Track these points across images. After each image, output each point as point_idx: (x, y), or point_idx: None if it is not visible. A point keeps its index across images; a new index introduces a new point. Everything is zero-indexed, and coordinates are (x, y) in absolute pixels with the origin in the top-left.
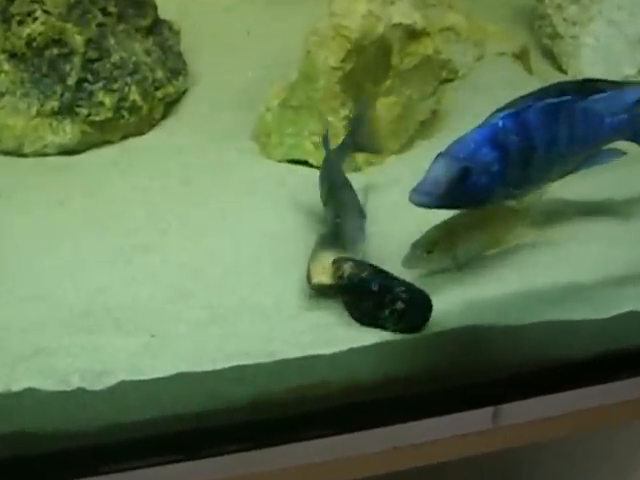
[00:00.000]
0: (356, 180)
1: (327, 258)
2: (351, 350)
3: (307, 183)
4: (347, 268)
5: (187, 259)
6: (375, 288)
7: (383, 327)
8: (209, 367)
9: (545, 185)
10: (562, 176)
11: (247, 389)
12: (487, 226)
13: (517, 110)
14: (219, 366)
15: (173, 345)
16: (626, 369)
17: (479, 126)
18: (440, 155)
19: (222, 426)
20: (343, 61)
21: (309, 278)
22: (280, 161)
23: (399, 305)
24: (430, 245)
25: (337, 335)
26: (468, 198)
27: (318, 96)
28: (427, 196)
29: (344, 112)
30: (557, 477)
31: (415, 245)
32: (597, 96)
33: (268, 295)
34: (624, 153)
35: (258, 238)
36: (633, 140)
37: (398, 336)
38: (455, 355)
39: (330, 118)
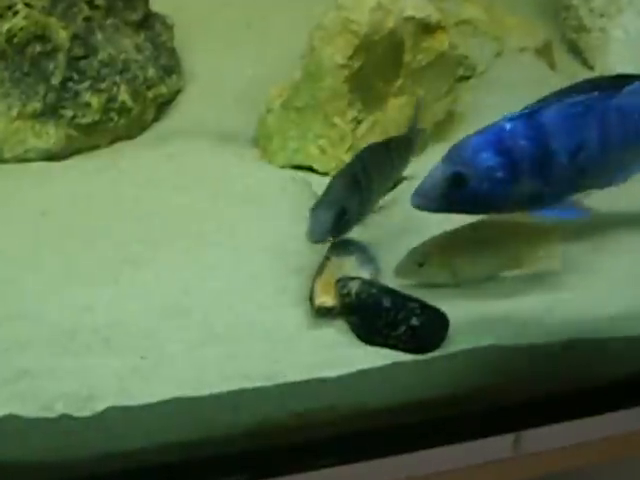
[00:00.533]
0: None
1: (337, 268)
2: (360, 372)
3: (311, 191)
4: (354, 286)
5: (181, 274)
6: (387, 304)
7: (395, 347)
8: (205, 392)
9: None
10: (609, 184)
11: (246, 415)
12: (505, 243)
13: (530, 111)
14: (215, 390)
15: (165, 367)
16: None
17: (484, 128)
18: (443, 157)
19: (219, 456)
20: (351, 58)
21: (312, 299)
22: (283, 167)
23: (413, 321)
24: (421, 257)
25: (343, 356)
26: (471, 204)
27: (324, 96)
28: (423, 199)
29: (352, 113)
30: None
31: (409, 255)
32: (632, 87)
33: (268, 313)
34: None
35: (257, 252)
36: None
37: (409, 357)
38: (473, 377)
39: (336, 120)
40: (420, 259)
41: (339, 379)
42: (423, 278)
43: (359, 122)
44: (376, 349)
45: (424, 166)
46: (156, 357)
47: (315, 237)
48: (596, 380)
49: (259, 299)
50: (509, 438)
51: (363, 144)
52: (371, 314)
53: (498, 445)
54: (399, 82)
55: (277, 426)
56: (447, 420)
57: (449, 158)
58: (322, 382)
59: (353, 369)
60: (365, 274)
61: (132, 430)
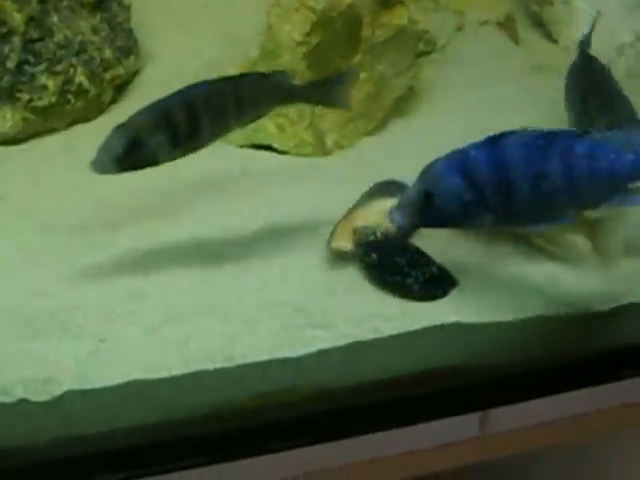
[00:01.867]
0: (323, 163)
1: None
2: (320, 352)
3: (271, 171)
4: (375, 231)
5: (140, 257)
6: (413, 248)
7: (408, 288)
8: (164, 374)
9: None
10: (583, 209)
11: (207, 397)
12: None
13: (494, 141)
14: (175, 372)
15: (124, 350)
16: (627, 368)
17: (450, 154)
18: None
19: (179, 438)
20: (308, 35)
21: (330, 241)
22: (242, 146)
23: (434, 269)
24: None
25: (304, 336)
26: (440, 220)
27: None
28: (399, 219)
29: None
30: None
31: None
32: (602, 134)
33: (227, 295)
34: None
35: (217, 234)
36: None
37: (371, 335)
38: (437, 355)
39: None
40: None
41: (299, 359)
42: None
43: None
44: (333, 332)
45: (386, 142)
46: (115, 340)
47: (97, 168)
48: (563, 357)
49: (218, 280)
50: (475, 417)
51: (322, 121)
52: (394, 252)
53: (464, 425)
54: (358, 58)
55: (238, 408)
56: (411, 400)
57: (420, 179)
58: (282, 363)
59: (313, 349)
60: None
61: (91, 414)
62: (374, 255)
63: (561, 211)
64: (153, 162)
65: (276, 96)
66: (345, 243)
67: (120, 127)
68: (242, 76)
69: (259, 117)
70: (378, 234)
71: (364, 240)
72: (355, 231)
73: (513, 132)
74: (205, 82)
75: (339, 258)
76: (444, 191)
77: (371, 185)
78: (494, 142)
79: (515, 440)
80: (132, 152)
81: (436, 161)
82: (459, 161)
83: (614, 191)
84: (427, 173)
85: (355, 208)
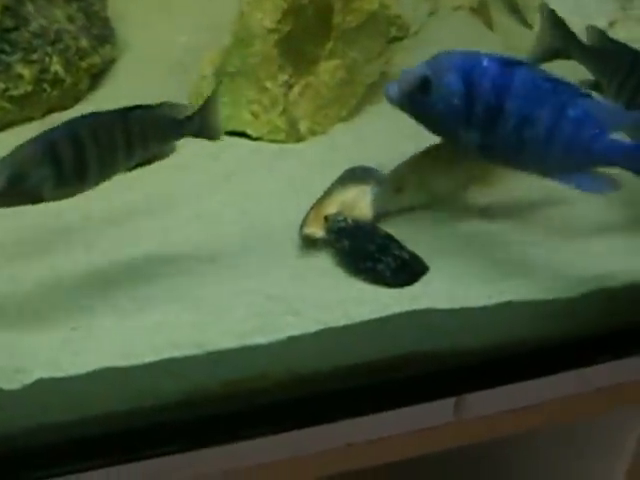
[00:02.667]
0: (295, 150)
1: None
2: (291, 338)
3: (244, 157)
4: (346, 217)
5: (111, 244)
6: (383, 233)
7: (379, 274)
8: (135, 361)
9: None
10: (536, 172)
11: (178, 384)
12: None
13: (507, 64)
14: (146, 360)
15: (96, 338)
16: (601, 353)
17: (467, 52)
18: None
19: (151, 425)
20: (280, 22)
21: (302, 227)
22: None
23: (405, 255)
24: (397, 182)
25: (275, 323)
26: (427, 117)
27: (254, 61)
28: (392, 92)
29: (283, 78)
30: (531, 469)
31: (383, 184)
32: (596, 103)
33: (198, 282)
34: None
35: (188, 221)
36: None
37: (342, 321)
38: (410, 340)
39: (268, 84)
40: (397, 184)
41: (270, 346)
42: (402, 203)
43: (291, 86)
44: (309, 317)
45: (359, 129)
46: (87, 328)
47: None
48: (537, 342)
49: (189, 268)
50: (450, 403)
51: (295, 108)
52: (365, 238)
53: (439, 410)
54: (330, 45)
55: (209, 394)
56: (384, 385)
57: (427, 62)
58: (253, 349)
59: (284, 335)
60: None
61: (63, 402)
62: (345, 242)
63: (533, 163)
64: (37, 198)
65: (163, 133)
66: (317, 230)
67: (1, 160)
68: (129, 109)
69: (149, 160)
70: (349, 220)
71: (335, 227)
72: (326, 218)
73: (528, 65)
74: (93, 114)
75: (311, 245)
76: (442, 85)
77: (343, 171)
78: (507, 64)
79: (491, 425)
80: (14, 187)
81: (448, 54)
82: (469, 65)
83: (580, 168)
84: (435, 61)
85: (327, 195)
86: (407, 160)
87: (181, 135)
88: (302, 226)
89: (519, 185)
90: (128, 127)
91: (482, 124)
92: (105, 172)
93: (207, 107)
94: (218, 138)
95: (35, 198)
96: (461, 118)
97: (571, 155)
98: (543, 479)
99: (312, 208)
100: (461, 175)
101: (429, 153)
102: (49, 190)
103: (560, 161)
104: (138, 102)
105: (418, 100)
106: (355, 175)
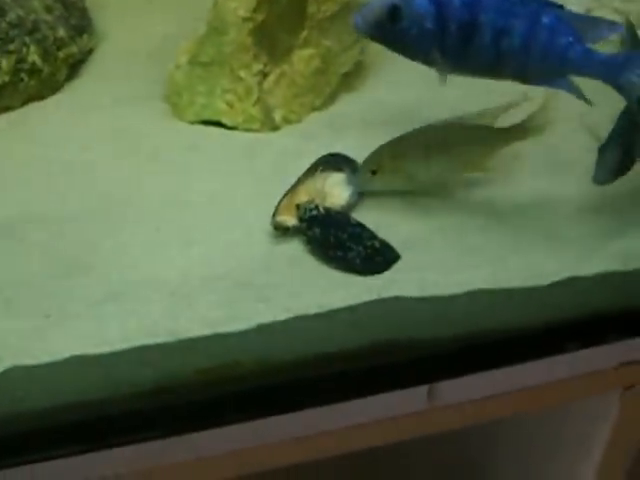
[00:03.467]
0: (270, 139)
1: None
2: (261, 326)
3: (219, 146)
4: (320, 204)
5: (85, 232)
6: (354, 222)
7: (350, 263)
8: (107, 349)
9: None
10: (514, 79)
11: (150, 372)
12: (458, 146)
13: None
14: (118, 347)
15: (68, 326)
16: (572, 342)
17: None
18: None
19: (125, 414)
20: (254, 11)
21: (274, 214)
22: (192, 122)
23: (376, 243)
24: (374, 165)
25: (245, 311)
26: (400, 43)
27: (229, 50)
28: (361, 20)
29: (257, 67)
30: (503, 458)
31: (362, 165)
32: (568, 12)
33: (171, 269)
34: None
35: (162, 209)
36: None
37: (314, 309)
38: (380, 329)
39: (242, 74)
40: (373, 167)
41: (241, 334)
42: (378, 186)
43: (265, 75)
44: (277, 304)
45: (334, 117)
46: (59, 316)
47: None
48: (508, 331)
49: (163, 255)
50: (422, 391)
51: (270, 97)
52: (337, 226)
53: (411, 398)
54: (304, 34)
55: (181, 382)
56: (357, 373)
57: None
58: (224, 337)
59: (254, 323)
60: (346, 195)
61: (36, 390)
62: (317, 230)
63: (510, 73)
64: None
65: None
66: (288, 218)
67: None
68: None
69: None
70: (321, 209)
71: (307, 215)
72: (298, 206)
73: None
74: None
75: (283, 233)
76: (412, 10)
77: (316, 159)
78: None
79: (464, 413)
80: None
81: None
82: None
83: (559, 74)
84: None
85: (299, 182)
86: (384, 144)
87: None
88: (274, 214)
89: (517, 174)
90: None
91: (457, 42)
92: None
93: None
94: None
95: None
96: (435, 39)
97: (547, 63)
98: (515, 468)
99: (285, 196)
100: (445, 163)
101: (406, 138)
102: None
103: (536, 69)
104: (116, 91)
105: (388, 28)
106: (328, 162)
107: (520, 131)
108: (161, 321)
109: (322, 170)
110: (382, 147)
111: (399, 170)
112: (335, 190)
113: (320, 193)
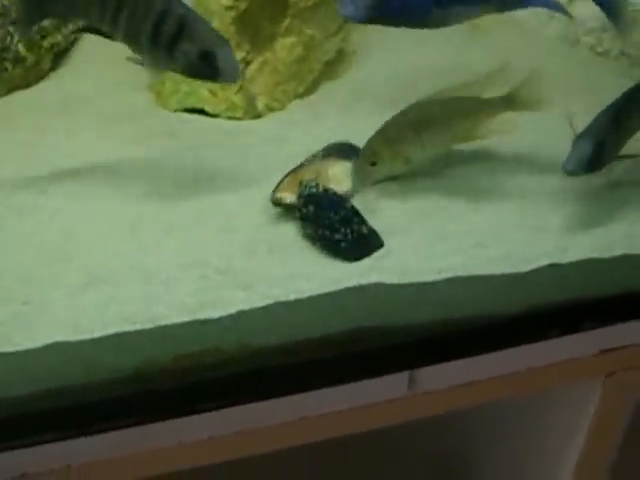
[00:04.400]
0: (253, 126)
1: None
2: (241, 312)
3: (201, 133)
4: (319, 184)
5: (66, 220)
6: (349, 206)
7: (335, 245)
8: (86, 335)
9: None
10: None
11: (130, 358)
12: (451, 120)
13: None
14: (97, 334)
15: (48, 313)
16: (553, 328)
17: None
18: None
19: (104, 400)
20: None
21: (275, 190)
22: (176, 110)
23: (364, 229)
24: (371, 156)
25: (225, 297)
26: (400, 12)
27: None
28: (353, 8)
29: (240, 55)
30: (487, 444)
31: (359, 160)
32: None
33: (151, 256)
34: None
35: (143, 196)
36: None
37: (292, 295)
38: (361, 314)
39: None
40: (371, 158)
41: (220, 320)
42: (379, 175)
43: (248, 63)
44: (255, 292)
45: (316, 105)
46: (38, 303)
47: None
48: (488, 318)
49: (142, 242)
50: (404, 377)
51: (253, 84)
52: (331, 207)
53: (393, 384)
54: (286, 22)
55: (161, 368)
56: (339, 359)
57: None
58: (203, 324)
59: (233, 310)
60: (349, 183)
61: (15, 376)
62: (311, 207)
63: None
64: None
65: None
66: (288, 195)
67: None
68: None
69: None
70: (320, 188)
71: (306, 191)
72: (301, 182)
73: None
74: None
75: (280, 210)
76: None
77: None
78: None
79: (445, 399)
80: None
81: None
82: None
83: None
84: None
85: (305, 164)
86: (376, 133)
87: None
88: (275, 190)
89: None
90: None
91: None
92: None
93: None
94: None
95: None
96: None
97: None
98: (499, 454)
99: (288, 175)
100: (440, 138)
101: (395, 122)
102: None
103: None
104: (100, 79)
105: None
106: (339, 150)
107: (508, 102)
108: (140, 307)
109: (332, 156)
110: (375, 137)
111: (396, 155)
112: (339, 177)
113: (325, 177)
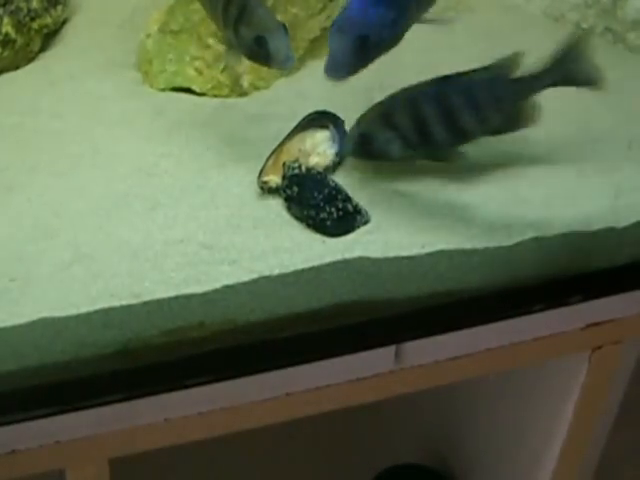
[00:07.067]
0: (238, 104)
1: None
2: (226, 287)
3: (187, 112)
4: (303, 164)
5: (53, 197)
6: (332, 184)
7: (321, 223)
8: (72, 311)
9: None
10: None
11: (116, 334)
12: None
13: None
14: (83, 310)
15: (34, 289)
16: (539, 302)
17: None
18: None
19: (90, 376)
20: None
21: (260, 174)
22: (163, 90)
23: (349, 206)
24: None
25: (210, 272)
26: (376, 52)
27: (197, 18)
28: (338, 71)
29: None
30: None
31: (353, 128)
32: None
33: (137, 232)
34: None
35: (129, 173)
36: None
37: (279, 273)
38: (346, 289)
39: (210, 41)
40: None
41: (205, 295)
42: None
43: None
44: (245, 267)
45: (301, 83)
46: (25, 279)
47: None
48: (473, 291)
49: (129, 219)
50: (390, 351)
51: (238, 64)
52: (314, 187)
53: (379, 359)
54: (271, 1)
55: (146, 344)
56: (325, 334)
57: (342, 29)
58: (188, 299)
59: (218, 285)
60: (331, 152)
61: (1, 353)
62: (295, 188)
63: None
64: None
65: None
66: (274, 177)
67: None
68: None
69: None
70: (303, 168)
71: (289, 173)
72: (284, 165)
73: None
74: None
75: (268, 192)
76: (373, 23)
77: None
78: None
79: (432, 373)
80: None
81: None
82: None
83: None
84: (347, 20)
85: (285, 142)
86: (374, 105)
87: None
88: (260, 174)
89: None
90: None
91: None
92: None
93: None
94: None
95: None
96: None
97: None
98: (488, 428)
99: (270, 156)
100: None
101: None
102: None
103: None
104: (89, 60)
105: (362, 55)
106: (314, 120)
107: None
108: (125, 283)
109: (308, 128)
110: (371, 108)
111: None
112: (320, 148)
113: (305, 152)
